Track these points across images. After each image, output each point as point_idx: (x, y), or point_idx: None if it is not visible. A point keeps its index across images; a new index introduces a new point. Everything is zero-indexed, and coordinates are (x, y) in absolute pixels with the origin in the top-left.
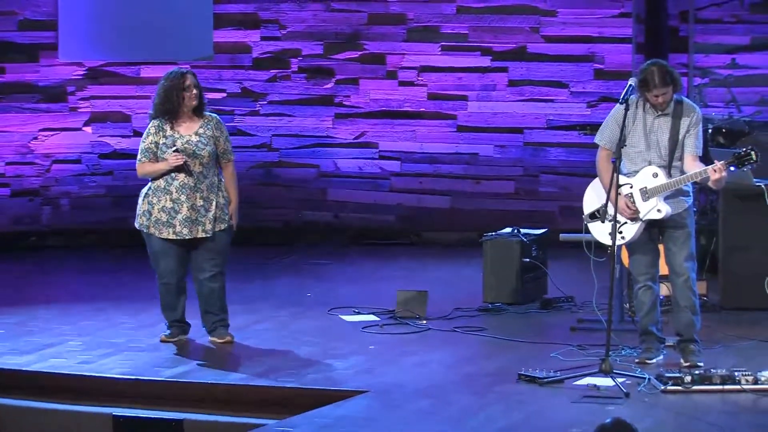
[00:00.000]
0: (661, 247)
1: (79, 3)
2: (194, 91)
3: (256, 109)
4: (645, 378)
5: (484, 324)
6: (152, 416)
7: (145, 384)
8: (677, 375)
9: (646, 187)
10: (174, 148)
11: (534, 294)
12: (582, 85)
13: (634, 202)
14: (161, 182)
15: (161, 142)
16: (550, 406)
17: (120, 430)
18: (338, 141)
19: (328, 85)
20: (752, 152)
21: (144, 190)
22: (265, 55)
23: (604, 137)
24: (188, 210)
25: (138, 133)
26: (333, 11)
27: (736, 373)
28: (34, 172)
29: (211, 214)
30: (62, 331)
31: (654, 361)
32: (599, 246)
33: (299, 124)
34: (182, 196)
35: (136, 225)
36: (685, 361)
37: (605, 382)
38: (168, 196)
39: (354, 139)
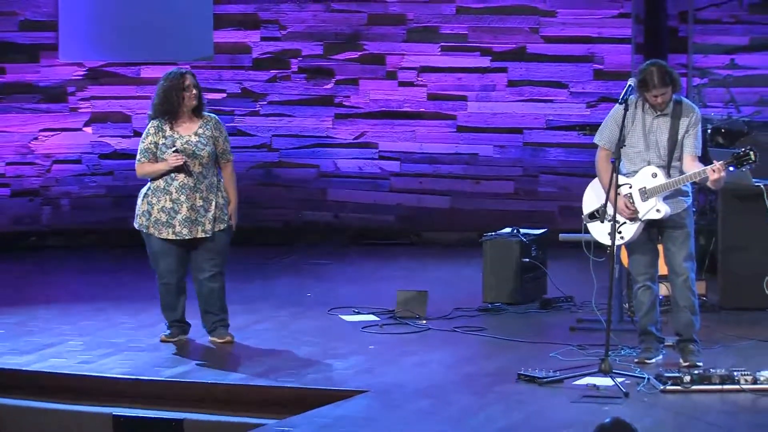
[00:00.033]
0: (660, 247)
1: (79, 3)
2: (194, 91)
3: (256, 109)
4: (644, 378)
5: (483, 324)
6: (152, 416)
7: (146, 384)
8: (676, 375)
9: (645, 187)
10: (174, 149)
11: (533, 294)
12: (581, 85)
13: (633, 202)
14: (161, 182)
15: (161, 142)
16: (550, 406)
17: (120, 429)
18: (338, 141)
19: (328, 86)
20: (751, 152)
21: (143, 190)
22: (265, 56)
23: (604, 137)
24: (188, 210)
25: (138, 134)
26: (333, 12)
27: (735, 373)
28: (35, 173)
29: (210, 215)
30: (62, 331)
31: (653, 360)
32: (598, 246)
33: (299, 124)
34: (182, 196)
35: (136, 225)
36: (685, 361)
37: (605, 381)
38: (168, 197)
39: (354, 139)
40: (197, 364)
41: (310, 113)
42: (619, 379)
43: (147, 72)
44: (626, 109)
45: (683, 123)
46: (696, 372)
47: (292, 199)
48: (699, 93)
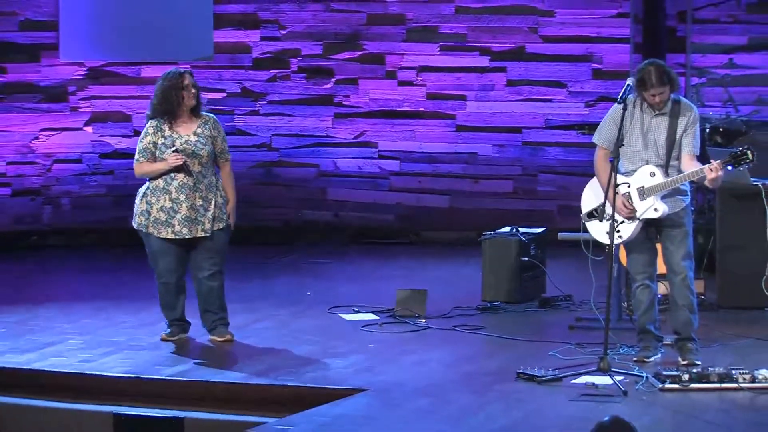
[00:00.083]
0: (658, 246)
1: (79, 3)
2: (192, 91)
3: (256, 109)
4: (643, 376)
5: (483, 323)
6: (153, 414)
7: (146, 382)
8: (675, 373)
9: (643, 186)
10: (173, 148)
11: (532, 293)
12: (580, 84)
13: (631, 201)
14: (160, 182)
15: (160, 142)
16: (549, 405)
17: (120, 428)
18: (338, 140)
19: (328, 85)
20: (749, 151)
21: (142, 190)
22: (264, 55)
23: (602, 137)
24: (187, 210)
25: (138, 133)
26: (332, 11)
27: (733, 372)
28: (35, 172)
29: (210, 214)
30: (63, 329)
31: (652, 359)
32: (597, 245)
33: (299, 123)
34: (181, 195)
35: (134, 225)
36: (683, 360)
37: (603, 380)
38: (167, 196)
39: (353, 138)
40: (197, 363)
41: (310, 113)
42: (618, 378)
43: (147, 72)
44: (625, 109)
45: (681, 122)
46: (694, 370)
47: (291, 198)
48: (697, 92)
